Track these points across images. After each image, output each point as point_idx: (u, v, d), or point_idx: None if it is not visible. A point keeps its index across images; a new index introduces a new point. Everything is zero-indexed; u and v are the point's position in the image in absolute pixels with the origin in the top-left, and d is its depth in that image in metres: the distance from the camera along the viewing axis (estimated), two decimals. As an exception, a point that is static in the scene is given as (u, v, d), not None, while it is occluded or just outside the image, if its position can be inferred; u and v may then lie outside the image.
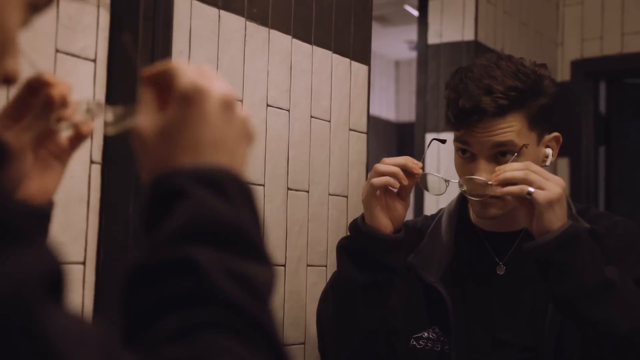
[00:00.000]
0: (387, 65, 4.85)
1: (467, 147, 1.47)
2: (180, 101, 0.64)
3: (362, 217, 1.49)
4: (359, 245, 1.47)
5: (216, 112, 0.64)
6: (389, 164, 1.44)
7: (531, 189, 1.33)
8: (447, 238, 1.59)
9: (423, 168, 1.47)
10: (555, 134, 1.53)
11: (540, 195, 1.32)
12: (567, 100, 3.17)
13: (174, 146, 0.63)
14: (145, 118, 0.66)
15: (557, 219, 1.33)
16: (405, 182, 1.43)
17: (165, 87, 0.66)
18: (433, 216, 1.67)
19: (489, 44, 2.84)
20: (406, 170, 1.44)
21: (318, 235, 1.82)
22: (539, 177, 1.34)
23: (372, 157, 1.99)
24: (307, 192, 1.80)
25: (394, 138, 4.95)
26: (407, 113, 4.98)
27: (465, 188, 1.48)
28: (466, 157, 1.49)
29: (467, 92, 1.44)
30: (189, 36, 1.50)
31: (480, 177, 1.44)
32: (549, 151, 1.53)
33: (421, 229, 1.63)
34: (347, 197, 1.92)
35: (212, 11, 1.55)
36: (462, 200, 1.64)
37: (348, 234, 1.53)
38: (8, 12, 0.55)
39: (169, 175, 0.62)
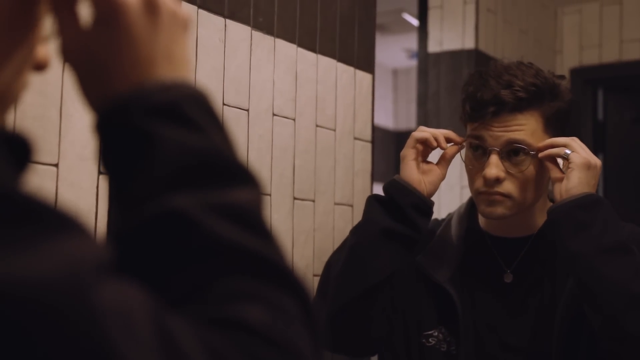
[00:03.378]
0: (385, 74, 4.86)
1: (481, 142, 1.47)
2: (97, 22, 0.57)
3: (398, 174, 1.54)
4: (389, 194, 1.50)
5: (142, 24, 0.57)
6: (431, 130, 1.53)
7: (568, 151, 1.41)
8: (457, 240, 1.58)
9: None
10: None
11: (576, 156, 1.40)
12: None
13: (110, 70, 0.57)
14: (68, 38, 0.58)
15: (586, 184, 1.39)
16: (444, 145, 1.51)
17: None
18: (443, 219, 1.67)
19: (489, 52, 2.84)
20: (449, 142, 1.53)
21: (324, 244, 1.81)
22: (581, 146, 1.42)
23: (377, 166, 1.99)
24: (313, 201, 1.79)
25: (393, 146, 4.95)
26: (405, 121, 4.99)
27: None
28: (478, 153, 1.48)
29: (486, 85, 1.45)
30: (195, 45, 1.49)
31: (491, 172, 1.44)
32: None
33: (431, 230, 1.63)
34: (352, 206, 1.91)
35: (219, 20, 1.55)
36: (471, 206, 1.63)
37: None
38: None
39: (120, 111, 0.56)
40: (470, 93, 1.47)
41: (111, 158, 0.57)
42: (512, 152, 1.46)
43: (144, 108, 0.56)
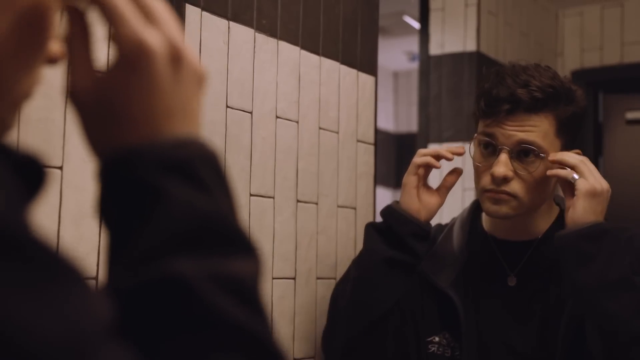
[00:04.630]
0: (386, 77, 4.85)
1: (492, 139, 1.46)
2: (120, 65, 0.54)
3: (394, 201, 1.56)
4: (388, 223, 1.52)
5: (165, 75, 0.55)
6: (430, 151, 1.54)
7: (576, 176, 1.39)
8: (459, 245, 1.58)
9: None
10: (577, 150, 1.53)
11: (583, 183, 1.38)
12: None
13: (123, 118, 0.55)
14: (81, 75, 0.55)
15: (592, 212, 1.38)
16: (450, 157, 1.52)
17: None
18: (446, 224, 1.67)
19: (490, 55, 2.84)
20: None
21: (327, 247, 1.81)
22: (590, 171, 1.40)
23: (379, 169, 1.99)
24: (316, 204, 1.79)
25: (393, 149, 4.95)
26: (405, 124, 4.98)
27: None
28: (488, 151, 1.48)
29: (503, 83, 1.45)
30: (199, 47, 1.49)
31: (499, 170, 1.43)
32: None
33: (434, 236, 1.63)
34: (355, 208, 1.91)
35: (222, 22, 1.54)
36: (475, 209, 1.63)
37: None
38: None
39: (130, 161, 0.54)
40: (486, 89, 1.47)
41: (113, 209, 0.55)
42: (522, 152, 1.45)
43: (155, 162, 0.54)
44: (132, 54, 0.54)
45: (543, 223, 1.57)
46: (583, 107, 1.51)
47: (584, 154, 1.53)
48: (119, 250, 0.54)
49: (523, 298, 1.54)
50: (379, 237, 1.53)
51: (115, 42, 0.54)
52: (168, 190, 0.53)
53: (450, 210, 2.55)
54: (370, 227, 1.56)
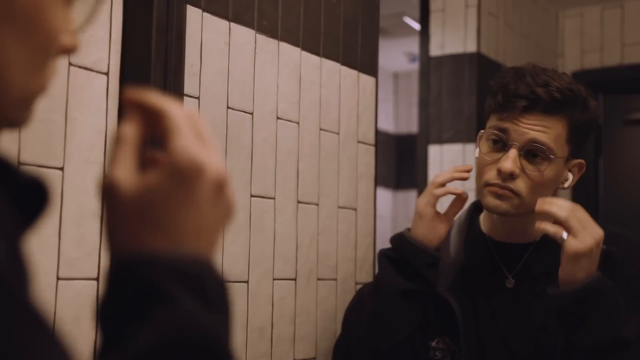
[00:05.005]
0: (386, 78, 4.85)
1: (503, 134, 1.45)
2: (171, 174, 0.56)
3: (406, 229, 1.55)
4: (402, 254, 1.52)
5: (208, 197, 0.58)
6: (446, 177, 1.53)
7: (565, 235, 1.34)
8: (456, 248, 1.58)
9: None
10: (581, 160, 1.52)
11: (570, 244, 1.33)
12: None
13: (152, 224, 0.56)
14: (124, 172, 0.56)
15: (582, 271, 1.34)
16: (467, 176, 1.53)
17: (155, 130, 0.58)
18: None
19: (491, 56, 2.84)
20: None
21: (328, 248, 1.81)
22: (578, 225, 1.33)
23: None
24: (317, 205, 1.79)
25: (393, 150, 4.95)
26: (405, 125, 4.98)
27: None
28: (497, 146, 1.47)
29: (523, 80, 1.44)
30: (200, 48, 1.49)
31: (507, 165, 1.43)
32: (570, 175, 1.52)
33: None
34: (356, 209, 1.91)
35: (223, 24, 1.54)
36: (473, 211, 1.63)
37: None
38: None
39: (145, 264, 0.55)
40: (505, 84, 1.46)
41: (117, 306, 0.55)
42: (531, 152, 1.44)
43: (170, 270, 0.55)
44: (187, 170, 0.56)
45: None
46: (596, 118, 1.51)
47: (584, 155, 1.53)
48: (112, 349, 0.54)
49: (521, 300, 1.54)
50: (393, 269, 1.52)
51: (169, 153, 0.56)
52: (175, 297, 0.54)
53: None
54: (384, 258, 1.55)
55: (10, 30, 0.52)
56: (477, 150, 1.52)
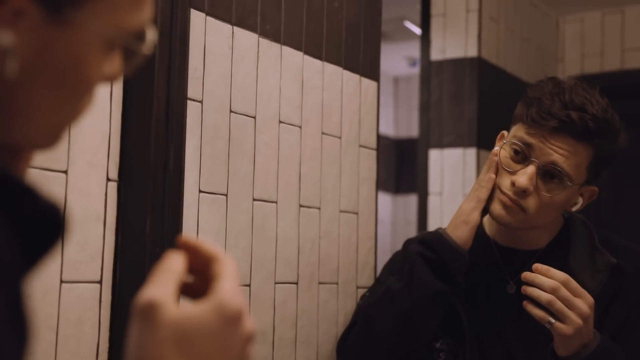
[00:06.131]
0: (386, 82, 4.86)
1: (527, 149, 1.44)
2: (217, 312, 0.59)
3: (442, 230, 1.52)
4: (442, 257, 1.49)
5: (238, 344, 0.61)
6: (486, 179, 1.49)
7: (552, 321, 1.34)
8: None
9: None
10: (595, 188, 1.52)
11: (559, 328, 1.33)
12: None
13: (187, 352, 0.58)
14: (168, 296, 0.58)
15: (577, 345, 1.35)
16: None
17: (199, 271, 0.63)
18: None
19: (492, 60, 2.84)
20: None
21: (329, 252, 1.81)
22: (563, 307, 1.33)
23: (382, 174, 1.99)
24: (319, 209, 1.79)
25: (393, 154, 4.95)
26: (405, 129, 4.98)
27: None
28: (518, 157, 1.46)
29: (560, 97, 1.41)
30: (203, 52, 1.49)
31: (523, 181, 1.42)
32: (580, 200, 1.52)
33: None
34: (357, 214, 1.91)
35: (226, 27, 1.55)
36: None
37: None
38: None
39: None
40: (541, 97, 1.43)
41: None
42: (549, 172, 1.43)
43: None
44: (232, 312, 0.59)
45: (547, 235, 1.57)
46: (622, 151, 1.49)
47: (600, 183, 1.52)
48: None
49: (522, 306, 1.54)
50: (428, 269, 1.50)
51: (217, 293, 0.60)
52: None
53: (451, 214, 2.55)
54: (420, 257, 1.52)
55: (45, 82, 0.53)
56: (496, 148, 1.50)
